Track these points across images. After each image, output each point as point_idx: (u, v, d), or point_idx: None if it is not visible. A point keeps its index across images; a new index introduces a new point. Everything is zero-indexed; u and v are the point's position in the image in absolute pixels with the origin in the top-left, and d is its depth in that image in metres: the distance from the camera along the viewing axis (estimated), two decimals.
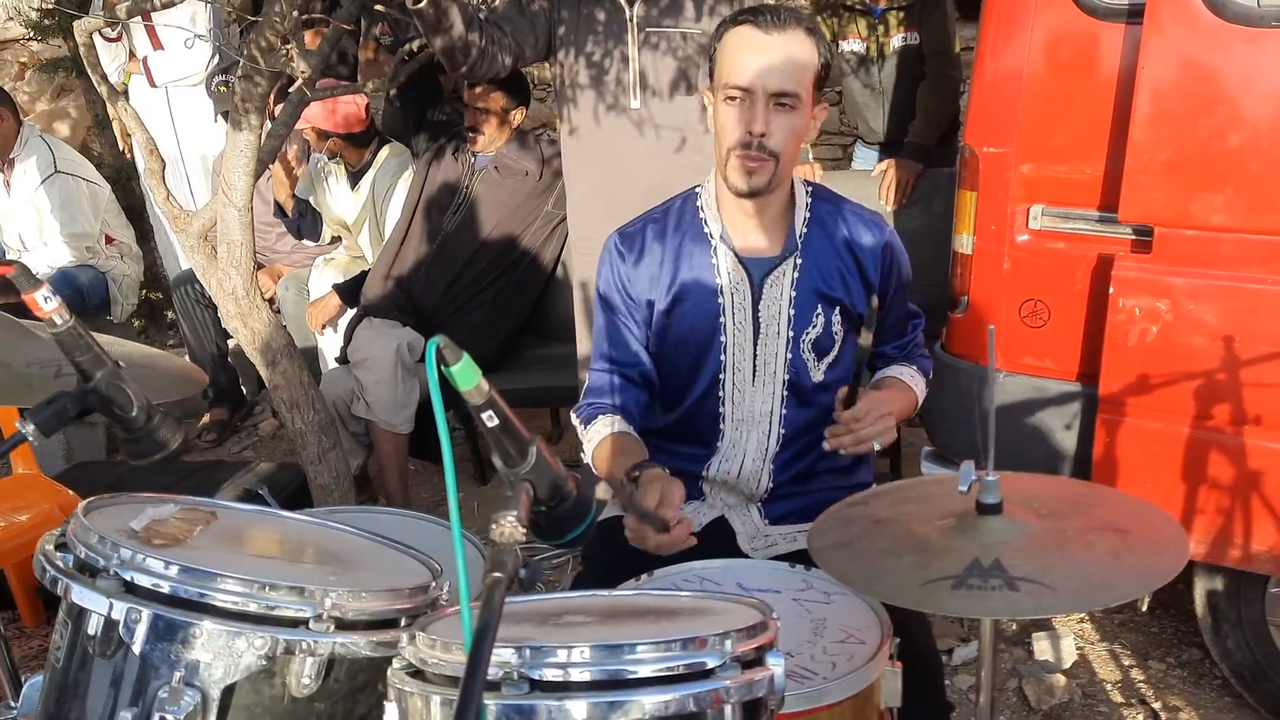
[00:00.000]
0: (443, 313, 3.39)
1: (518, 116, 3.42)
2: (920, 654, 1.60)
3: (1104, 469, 2.29)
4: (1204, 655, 2.58)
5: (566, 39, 2.72)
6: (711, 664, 1.05)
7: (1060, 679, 2.55)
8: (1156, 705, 2.52)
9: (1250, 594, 2.33)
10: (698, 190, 1.87)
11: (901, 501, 1.58)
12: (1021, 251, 2.34)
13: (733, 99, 1.69)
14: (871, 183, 3.54)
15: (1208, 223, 2.10)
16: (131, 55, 4.46)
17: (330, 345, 3.66)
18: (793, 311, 1.80)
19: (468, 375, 0.99)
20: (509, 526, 0.97)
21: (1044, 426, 2.41)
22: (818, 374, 1.83)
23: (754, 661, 1.10)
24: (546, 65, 2.87)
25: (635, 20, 2.64)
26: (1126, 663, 2.68)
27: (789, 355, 1.81)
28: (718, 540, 1.83)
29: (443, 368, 0.98)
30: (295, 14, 2.28)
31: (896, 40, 3.62)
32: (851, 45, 3.73)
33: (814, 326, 1.81)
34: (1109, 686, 2.60)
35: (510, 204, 3.43)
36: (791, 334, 1.81)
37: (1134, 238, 2.21)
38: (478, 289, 3.43)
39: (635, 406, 1.87)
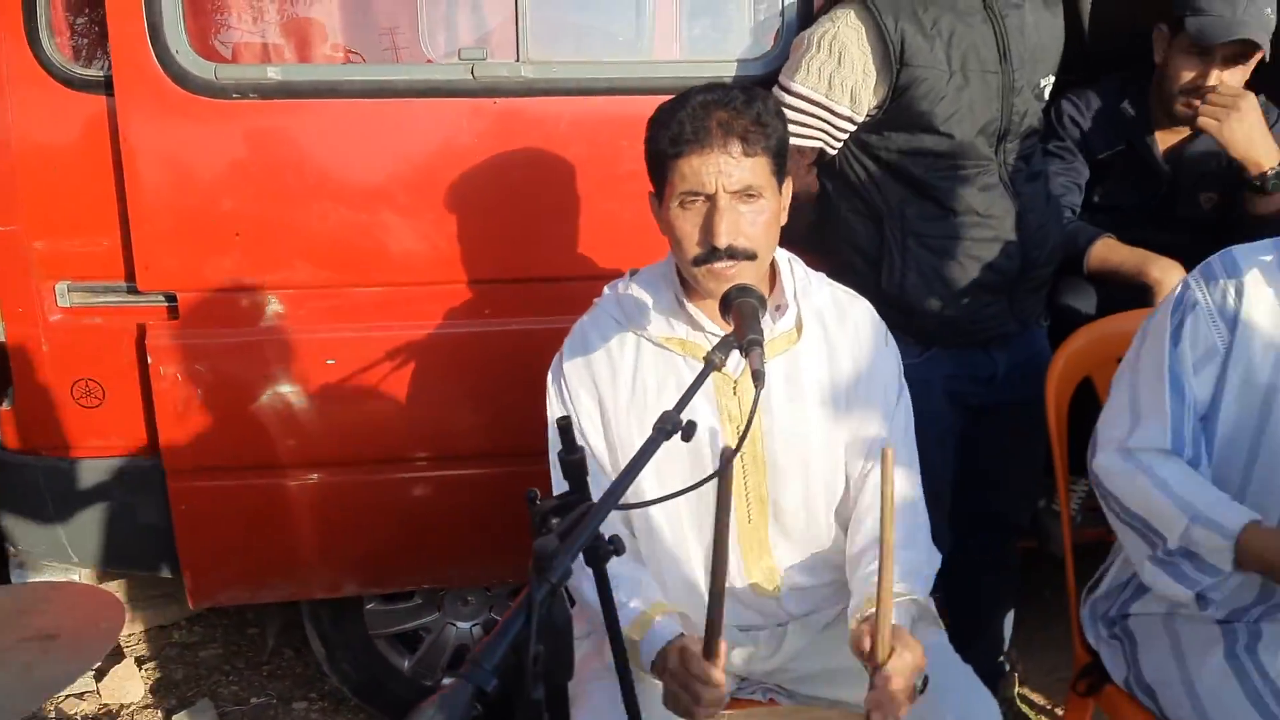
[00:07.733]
0: None
1: None
2: None
3: (188, 535, 2.28)
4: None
5: None
6: None
7: None
8: None
9: (350, 616, 2.51)
10: None
11: None
12: (58, 331, 2.21)
13: None
14: None
15: (223, 283, 2.18)
16: None
17: None
18: None
19: None
20: None
21: (126, 508, 2.32)
22: None
23: None
24: None
25: None
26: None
27: None
28: None
29: None
30: None
31: None
32: None
33: None
34: None
35: None
36: None
37: (165, 304, 2.21)
38: None
39: None
